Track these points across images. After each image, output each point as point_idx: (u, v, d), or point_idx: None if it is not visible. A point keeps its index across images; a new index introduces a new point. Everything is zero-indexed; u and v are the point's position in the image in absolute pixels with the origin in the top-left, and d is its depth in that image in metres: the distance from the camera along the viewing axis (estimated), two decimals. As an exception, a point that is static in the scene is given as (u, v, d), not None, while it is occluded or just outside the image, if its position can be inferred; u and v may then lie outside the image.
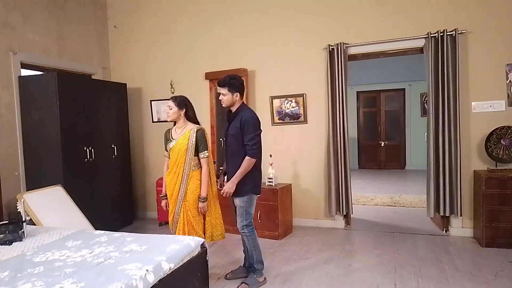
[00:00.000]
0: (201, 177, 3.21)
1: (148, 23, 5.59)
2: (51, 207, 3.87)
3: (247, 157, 3.03)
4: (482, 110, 4.15)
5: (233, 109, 3.18)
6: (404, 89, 9.84)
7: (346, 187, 4.63)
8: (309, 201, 4.90)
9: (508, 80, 4.05)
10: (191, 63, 5.34)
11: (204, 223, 3.30)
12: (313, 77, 4.77)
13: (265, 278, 3.30)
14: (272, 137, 4.91)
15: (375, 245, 4.14)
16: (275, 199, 4.43)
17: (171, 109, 3.23)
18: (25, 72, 4.51)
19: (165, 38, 5.51)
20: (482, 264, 3.47)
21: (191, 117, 3.29)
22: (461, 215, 4.21)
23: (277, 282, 3.30)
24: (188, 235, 3.07)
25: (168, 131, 3.35)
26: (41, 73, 4.68)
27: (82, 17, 5.31)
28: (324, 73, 4.67)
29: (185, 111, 3.25)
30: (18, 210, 3.66)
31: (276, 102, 4.96)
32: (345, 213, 4.71)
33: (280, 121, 4.98)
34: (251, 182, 3.14)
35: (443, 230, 4.42)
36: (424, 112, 9.11)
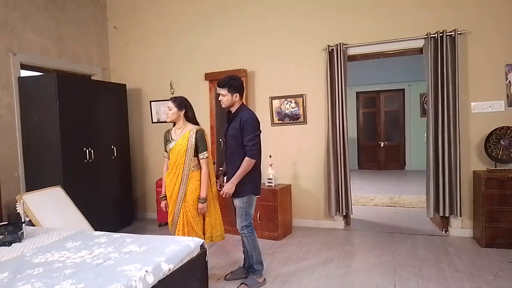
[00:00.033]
0: (200, 178, 3.21)
1: (148, 23, 5.60)
2: (51, 208, 3.86)
3: (246, 158, 3.03)
4: (481, 110, 4.15)
5: (233, 109, 3.18)
6: (404, 89, 9.84)
7: (345, 188, 4.63)
8: (309, 202, 4.90)
9: (508, 81, 4.06)
10: (191, 64, 5.35)
11: (203, 223, 3.30)
12: (312, 77, 4.78)
13: (264, 279, 3.30)
14: (272, 138, 4.91)
15: (375, 245, 4.14)
16: (274, 200, 4.43)
17: (170, 110, 3.23)
18: (24, 73, 4.51)
19: (164, 39, 5.51)
20: (481, 265, 3.47)
21: (190, 118, 3.29)
22: (460, 216, 4.21)
23: (276, 282, 3.29)
24: (188, 236, 3.06)
25: (168, 132, 3.35)
26: (41, 74, 4.68)
27: (82, 17, 5.31)
28: (323, 74, 4.68)
29: (185, 112, 3.25)
30: (18, 211, 3.66)
31: (276, 103, 4.96)
32: (344, 214, 4.71)
33: (280, 121, 4.98)
34: (251, 183, 3.13)
35: (442, 231, 4.42)
36: (424, 112, 9.11)
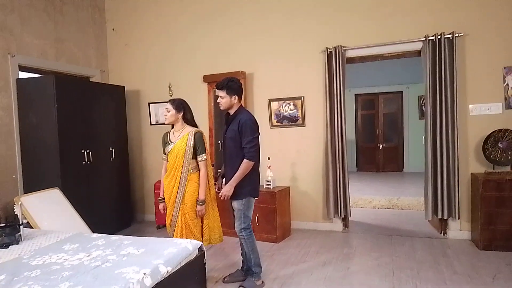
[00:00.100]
0: (199, 180, 3.21)
1: (146, 25, 5.60)
2: (49, 210, 3.85)
3: (245, 160, 3.03)
4: (479, 112, 4.16)
5: (231, 111, 3.18)
6: (402, 91, 9.85)
7: (344, 190, 4.63)
8: (307, 204, 4.90)
9: (505, 83, 4.07)
10: (190, 66, 5.35)
11: (202, 226, 3.30)
12: (311, 80, 4.78)
13: (263, 282, 3.30)
14: (270, 140, 4.91)
15: (373, 247, 4.14)
16: (273, 202, 4.42)
17: (169, 112, 3.23)
18: (23, 75, 4.50)
19: (163, 41, 5.52)
20: (480, 267, 3.48)
21: (189, 120, 3.29)
22: (459, 218, 4.22)
23: (275, 285, 3.29)
24: (186, 238, 3.06)
25: (166, 134, 3.34)
26: (39, 75, 4.68)
27: (80, 20, 5.31)
28: (322, 76, 4.68)
29: (183, 114, 3.25)
30: (15, 213, 3.65)
31: (274, 105, 4.96)
32: (343, 216, 4.71)
33: (278, 123, 4.98)
34: (249, 185, 3.13)
35: (441, 233, 4.42)
36: (422, 114, 9.12)
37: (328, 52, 4.57)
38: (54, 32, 4.88)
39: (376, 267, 3.58)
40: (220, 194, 3.13)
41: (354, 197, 6.51)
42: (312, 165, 4.84)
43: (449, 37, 4.11)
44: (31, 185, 4.28)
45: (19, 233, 2.84)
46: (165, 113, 3.27)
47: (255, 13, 5.02)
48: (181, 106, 3.25)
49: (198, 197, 3.19)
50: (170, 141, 3.26)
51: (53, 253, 2.51)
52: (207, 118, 5.19)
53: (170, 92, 5.44)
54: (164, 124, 3.60)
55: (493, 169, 4.04)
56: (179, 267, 2.35)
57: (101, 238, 2.82)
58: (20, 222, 2.92)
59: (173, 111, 3.22)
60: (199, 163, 3.22)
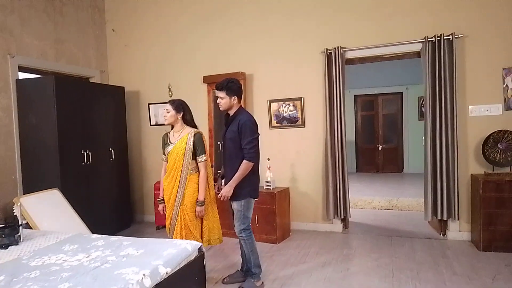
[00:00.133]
0: (198, 181, 3.21)
1: (146, 26, 5.60)
2: (48, 211, 3.85)
3: (244, 161, 3.03)
4: (479, 114, 4.16)
5: (231, 112, 3.19)
6: (402, 92, 9.86)
7: (344, 191, 4.63)
8: (307, 205, 4.90)
9: (505, 84, 4.07)
10: (189, 67, 5.35)
11: (201, 227, 3.29)
12: (311, 81, 4.79)
13: (262, 283, 3.29)
14: (270, 141, 4.91)
15: (373, 248, 4.14)
16: (273, 203, 4.42)
17: (168, 113, 3.23)
18: (22, 75, 4.50)
19: (163, 42, 5.52)
20: (479, 268, 3.48)
21: (188, 120, 3.29)
22: (458, 219, 4.22)
23: (274, 286, 3.29)
24: (186, 239, 3.06)
25: (166, 135, 3.35)
26: (39, 76, 4.68)
27: (80, 20, 5.31)
28: (321, 77, 4.69)
29: (183, 115, 3.25)
30: (15, 214, 3.64)
31: (274, 106, 4.96)
32: (343, 217, 4.71)
33: (278, 124, 4.98)
34: (249, 186, 3.13)
35: (440, 234, 4.42)
36: (422, 115, 9.12)
37: (328, 53, 4.58)
38: (54, 33, 4.88)
39: (376, 268, 3.58)
40: (219, 195, 3.13)
41: (354, 198, 6.51)
42: (311, 166, 4.84)
43: (448, 38, 4.11)
44: (31, 185, 4.27)
45: (19, 233, 2.84)
46: (164, 113, 3.27)
47: (255, 14, 5.02)
48: (180, 107, 3.25)
49: (197, 198, 3.19)
50: (170, 142, 3.26)
51: (53, 254, 2.51)
52: (207, 118, 5.19)
53: (170, 93, 5.44)
54: (164, 124, 3.61)
55: (493, 170, 4.05)
56: (178, 268, 2.35)
57: (100, 239, 2.81)
58: (20, 223, 2.92)
59: (172, 112, 3.22)
60: (198, 164, 3.22)
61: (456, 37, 4.09)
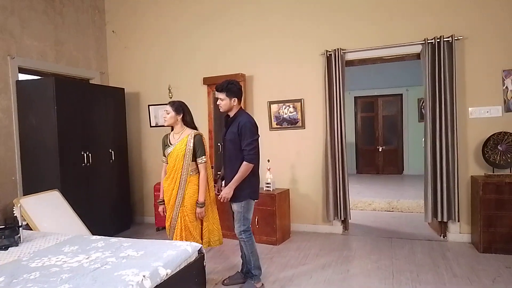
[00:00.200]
0: (198, 182, 3.21)
1: (146, 27, 5.61)
2: (48, 212, 3.85)
3: (244, 162, 3.03)
4: (479, 115, 4.17)
5: (231, 114, 3.19)
6: (402, 94, 9.87)
7: (344, 192, 4.63)
8: (307, 206, 4.89)
9: (505, 86, 4.08)
10: (189, 68, 5.35)
11: (201, 228, 3.29)
12: (311, 82, 4.79)
13: (262, 284, 3.29)
14: (270, 142, 4.91)
15: (373, 250, 4.14)
16: (273, 204, 4.42)
17: (168, 114, 3.23)
18: (22, 77, 4.50)
19: (163, 43, 5.52)
20: (479, 270, 3.47)
21: (188, 122, 3.30)
22: (458, 221, 4.21)
23: None
24: (186, 240, 3.06)
25: (166, 137, 3.35)
26: (39, 77, 4.68)
27: (80, 22, 5.32)
28: (321, 79, 4.69)
29: (183, 116, 3.25)
30: (15, 215, 3.64)
31: (274, 107, 4.97)
32: (343, 218, 4.71)
33: (278, 126, 4.98)
34: (249, 187, 3.13)
35: (440, 236, 4.42)
36: (422, 117, 9.13)
37: (328, 55, 4.58)
38: (54, 34, 4.88)
39: (376, 270, 3.58)
40: (219, 196, 3.13)
41: (354, 199, 6.51)
42: (311, 167, 4.84)
43: (448, 40, 4.12)
44: (31, 187, 4.27)
45: (19, 235, 2.85)
46: (164, 115, 3.27)
47: (254, 17, 5.02)
48: (180, 108, 3.25)
49: (197, 199, 3.19)
50: (170, 144, 3.26)
51: (52, 255, 2.51)
52: (207, 120, 5.19)
53: (170, 94, 5.45)
54: (164, 126, 3.61)
55: (493, 172, 4.05)
56: (178, 269, 2.35)
57: (100, 240, 2.82)
58: (20, 224, 2.92)
59: (172, 113, 3.22)
60: (198, 165, 3.22)
61: (456, 39, 4.10)
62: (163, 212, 3.34)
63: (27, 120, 4.34)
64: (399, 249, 4.14)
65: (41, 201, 3.90)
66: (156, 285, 2.09)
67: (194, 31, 5.33)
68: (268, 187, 4.59)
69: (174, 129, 3.31)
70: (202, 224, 3.29)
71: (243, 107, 3.36)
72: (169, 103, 3.28)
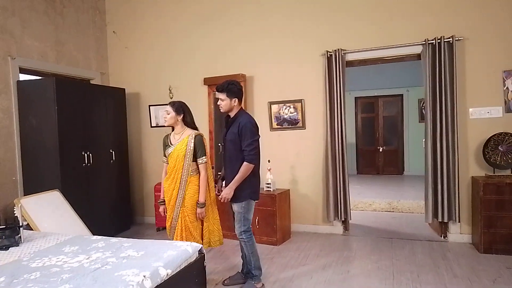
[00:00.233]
0: (199, 183, 3.21)
1: (146, 27, 5.61)
2: (49, 212, 3.85)
3: (245, 163, 3.03)
4: (479, 116, 4.17)
5: (232, 114, 3.19)
6: (402, 94, 9.86)
7: (344, 193, 4.63)
8: (307, 207, 4.89)
9: (505, 87, 4.08)
10: (190, 69, 5.36)
11: (202, 228, 3.29)
12: (311, 83, 4.79)
13: (263, 284, 3.29)
14: (271, 143, 4.91)
15: (373, 251, 4.14)
16: (273, 205, 4.42)
17: (168, 114, 3.23)
18: (23, 77, 4.50)
19: (163, 43, 5.53)
20: (480, 270, 3.47)
21: (189, 122, 3.30)
22: (459, 221, 4.21)
23: (275, 288, 3.29)
24: (186, 240, 3.06)
25: (167, 137, 3.35)
26: (40, 78, 4.68)
27: (81, 22, 5.32)
28: (322, 79, 4.69)
29: (183, 117, 3.26)
30: (15, 215, 3.64)
31: (275, 108, 4.97)
32: (343, 219, 4.71)
33: (279, 126, 4.98)
34: (249, 188, 3.13)
35: (441, 236, 4.41)
36: (422, 117, 9.13)
37: (328, 55, 4.58)
38: (54, 35, 4.89)
39: (376, 270, 3.58)
40: (220, 196, 3.13)
41: (354, 200, 6.51)
42: (312, 168, 4.84)
43: (449, 41, 4.12)
44: (31, 187, 4.27)
45: (19, 235, 2.85)
46: (164, 115, 3.27)
47: (255, 18, 5.03)
48: (181, 108, 3.25)
49: (198, 200, 3.19)
50: (171, 144, 3.26)
51: (53, 255, 2.51)
52: (207, 120, 5.19)
53: (171, 95, 5.45)
54: (164, 126, 3.61)
55: (493, 173, 4.04)
56: (179, 269, 2.35)
57: (101, 241, 2.81)
58: (20, 224, 2.92)
59: (172, 114, 3.22)
60: (199, 165, 3.22)
61: (457, 40, 4.10)
62: (164, 212, 3.34)
63: (27, 120, 4.34)
64: (400, 249, 4.14)
65: (42, 201, 3.90)
66: (157, 285, 2.09)
67: (194, 31, 5.33)
68: (268, 187, 4.59)
69: (174, 130, 3.31)
70: (202, 225, 3.29)
71: (243, 108, 3.36)
72: (170, 103, 3.29)
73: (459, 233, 4.29)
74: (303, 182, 4.90)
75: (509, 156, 3.96)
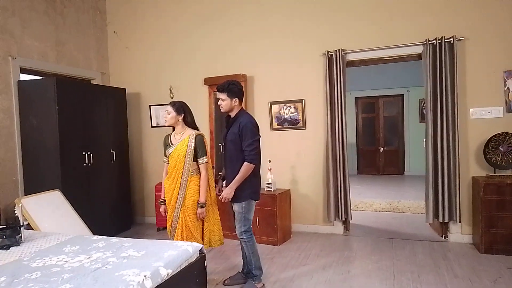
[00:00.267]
0: (199, 183, 3.21)
1: (147, 27, 5.61)
2: (49, 212, 3.86)
3: (245, 163, 3.03)
4: (480, 116, 4.16)
5: (232, 114, 3.19)
6: (403, 95, 9.86)
7: (345, 193, 4.63)
8: (308, 207, 4.89)
9: (506, 87, 4.07)
10: (190, 68, 5.36)
11: (202, 228, 3.29)
12: (312, 83, 4.79)
13: (263, 285, 3.29)
14: (271, 143, 4.91)
15: (374, 251, 4.13)
16: (273, 205, 4.42)
17: (169, 114, 3.23)
18: (24, 77, 4.50)
19: (163, 43, 5.53)
20: (481, 271, 3.47)
21: (189, 122, 3.30)
22: (460, 221, 4.21)
23: (275, 288, 3.29)
24: (187, 240, 3.06)
25: (167, 137, 3.35)
26: (40, 78, 4.68)
27: (81, 22, 5.32)
28: (322, 79, 4.69)
29: (184, 117, 3.26)
30: (16, 215, 3.65)
31: (275, 108, 4.97)
32: (344, 219, 4.70)
33: (279, 126, 4.98)
34: (250, 188, 3.13)
35: (442, 236, 4.41)
36: (423, 117, 9.13)
37: (329, 56, 4.58)
38: (55, 35, 4.89)
39: (377, 270, 3.58)
40: (220, 196, 3.13)
41: (355, 200, 6.51)
42: (312, 168, 4.84)
43: (449, 41, 4.11)
44: (32, 187, 4.27)
45: (20, 235, 2.85)
46: (165, 115, 3.27)
47: (256, 18, 5.03)
48: (181, 108, 3.25)
49: (198, 200, 3.19)
50: (171, 144, 3.27)
51: (54, 255, 2.51)
52: (208, 120, 5.19)
53: (171, 95, 5.45)
54: (165, 126, 3.61)
55: (494, 173, 4.04)
56: (179, 269, 2.35)
57: (101, 240, 2.82)
58: (21, 224, 2.92)
59: (173, 114, 3.22)
60: (199, 165, 3.22)
61: (457, 40, 4.10)
62: (164, 212, 3.34)
63: (28, 120, 4.34)
64: (400, 249, 4.13)
65: (42, 201, 3.91)
66: (157, 285, 2.09)
67: (195, 31, 5.33)
68: (269, 187, 4.59)
69: (175, 130, 3.31)
70: (203, 225, 3.29)
71: (244, 108, 3.36)
72: (170, 103, 3.29)
73: (460, 233, 4.29)
74: (304, 182, 4.90)
75: (510, 156, 3.95)
